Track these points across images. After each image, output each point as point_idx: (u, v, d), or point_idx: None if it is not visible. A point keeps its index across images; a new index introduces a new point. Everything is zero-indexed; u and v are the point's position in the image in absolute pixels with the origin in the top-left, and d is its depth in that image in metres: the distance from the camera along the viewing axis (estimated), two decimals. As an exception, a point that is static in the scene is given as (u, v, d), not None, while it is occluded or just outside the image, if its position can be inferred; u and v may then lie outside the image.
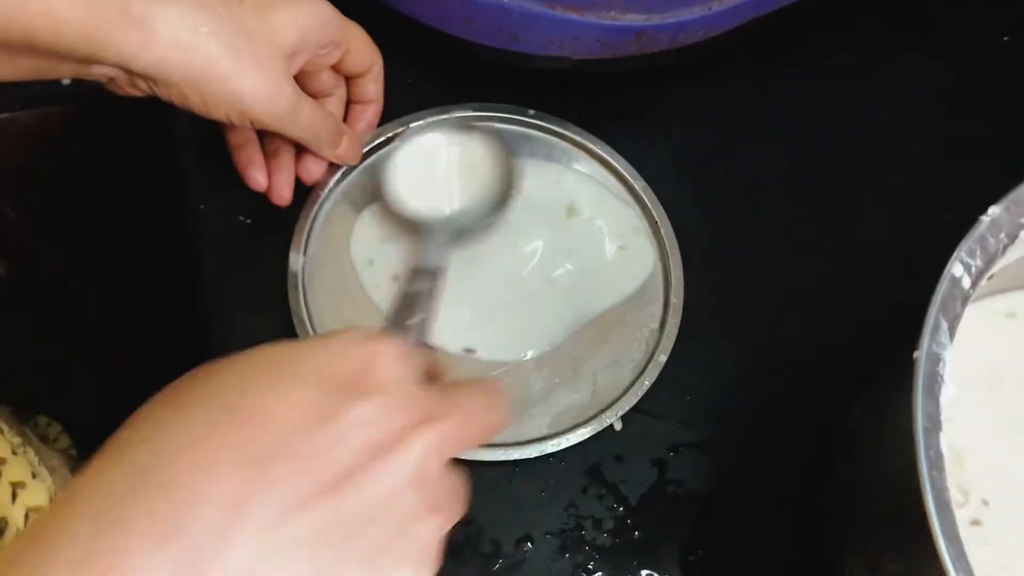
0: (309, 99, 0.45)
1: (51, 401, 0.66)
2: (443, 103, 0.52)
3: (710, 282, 0.50)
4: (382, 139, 0.51)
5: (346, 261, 0.49)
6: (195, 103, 0.41)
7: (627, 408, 0.46)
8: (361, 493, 0.27)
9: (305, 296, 0.47)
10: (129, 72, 0.40)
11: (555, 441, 0.45)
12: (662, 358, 0.47)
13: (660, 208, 0.51)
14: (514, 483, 0.45)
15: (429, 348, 0.40)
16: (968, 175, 0.50)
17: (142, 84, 0.41)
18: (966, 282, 0.34)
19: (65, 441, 0.63)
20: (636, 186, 0.51)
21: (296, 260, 0.48)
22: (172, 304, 0.51)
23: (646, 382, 0.46)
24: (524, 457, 0.44)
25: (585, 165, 0.52)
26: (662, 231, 0.50)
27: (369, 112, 0.51)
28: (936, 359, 0.33)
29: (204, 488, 0.26)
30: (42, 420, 0.63)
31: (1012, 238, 0.35)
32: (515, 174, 0.48)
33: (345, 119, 0.51)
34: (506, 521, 0.44)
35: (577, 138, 0.52)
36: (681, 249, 0.50)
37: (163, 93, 0.41)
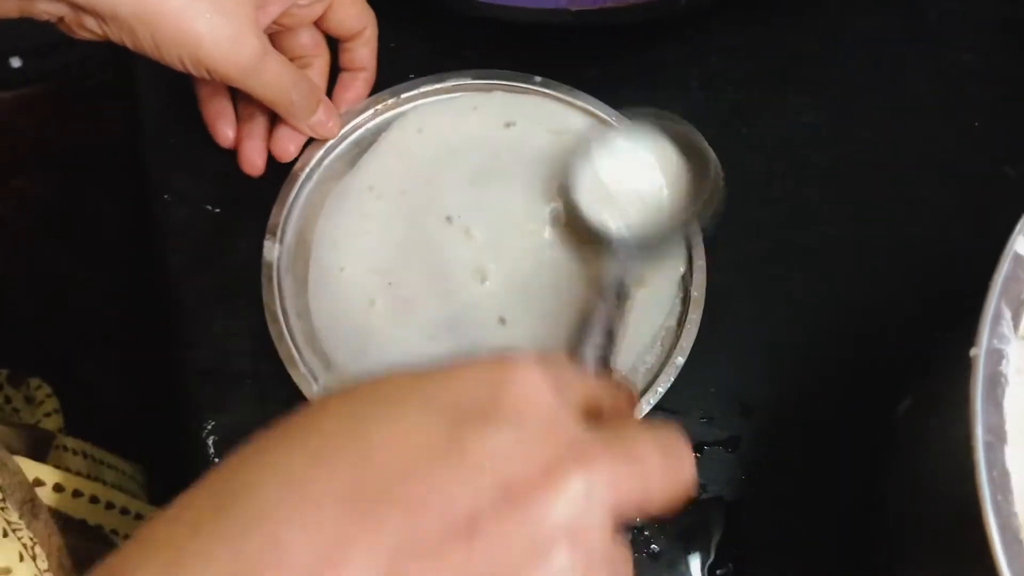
0: (278, 55, 0.42)
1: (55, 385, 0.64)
2: (432, 70, 0.49)
3: (736, 258, 0.46)
4: (369, 111, 0.48)
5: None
6: (147, 45, 0.39)
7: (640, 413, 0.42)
8: (492, 547, 0.23)
9: (280, 289, 0.43)
10: (75, 6, 0.37)
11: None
12: (679, 360, 0.43)
13: None
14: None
15: (610, 382, 0.34)
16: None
17: (91, 23, 0.38)
18: (1035, 260, 0.30)
19: (52, 404, 0.62)
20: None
21: (271, 249, 0.44)
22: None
23: (659, 388, 0.42)
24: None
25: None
26: None
27: (359, 81, 0.48)
28: (998, 356, 0.28)
29: (297, 531, 0.23)
30: (33, 383, 0.63)
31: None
32: (716, 178, 0.42)
33: (332, 89, 0.48)
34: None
35: (590, 108, 0.47)
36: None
37: (114, 33, 0.39)
